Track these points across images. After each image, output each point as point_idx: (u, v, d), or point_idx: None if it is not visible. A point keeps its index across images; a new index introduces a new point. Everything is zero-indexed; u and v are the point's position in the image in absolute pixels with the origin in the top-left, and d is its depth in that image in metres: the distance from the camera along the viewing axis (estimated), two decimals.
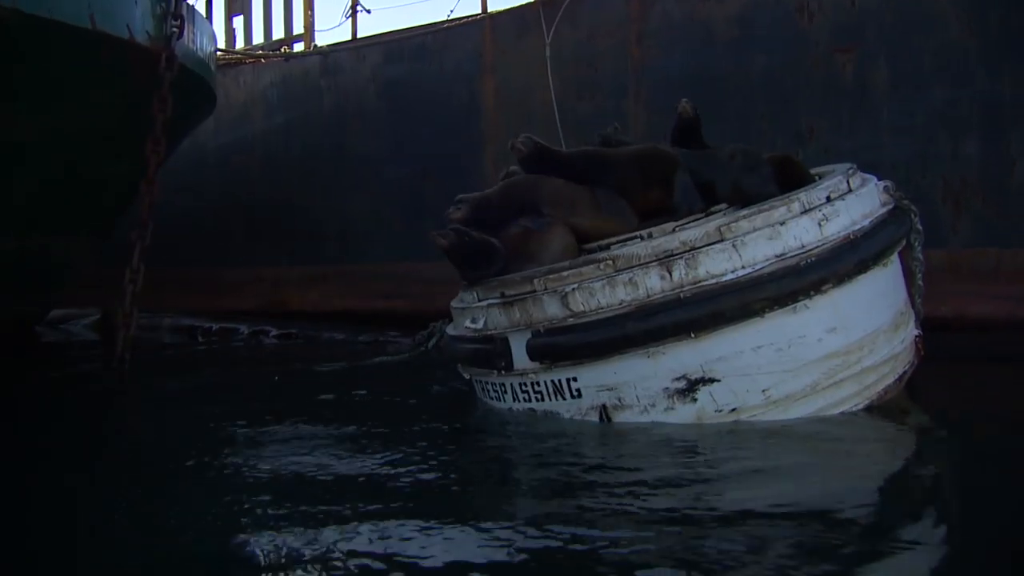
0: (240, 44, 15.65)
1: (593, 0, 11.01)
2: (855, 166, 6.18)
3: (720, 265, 5.34)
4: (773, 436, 5.29)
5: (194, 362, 10.81)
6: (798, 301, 5.31)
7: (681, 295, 5.31)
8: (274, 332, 12.28)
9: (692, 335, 5.27)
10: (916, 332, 6.18)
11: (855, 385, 5.56)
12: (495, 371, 6.10)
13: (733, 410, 5.40)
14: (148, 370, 9.15)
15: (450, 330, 6.84)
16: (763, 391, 5.37)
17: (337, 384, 8.28)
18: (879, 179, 6.20)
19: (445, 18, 12.33)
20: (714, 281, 5.31)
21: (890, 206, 6.04)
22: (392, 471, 5.03)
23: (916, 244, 6.27)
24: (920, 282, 6.33)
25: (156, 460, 5.83)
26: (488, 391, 6.43)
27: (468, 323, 6.28)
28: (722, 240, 5.38)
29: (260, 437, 6.06)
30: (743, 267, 5.33)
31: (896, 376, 5.86)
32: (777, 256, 5.36)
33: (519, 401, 6.07)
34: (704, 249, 5.37)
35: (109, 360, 8.22)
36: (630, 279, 5.40)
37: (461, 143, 11.69)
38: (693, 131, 6.88)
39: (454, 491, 4.88)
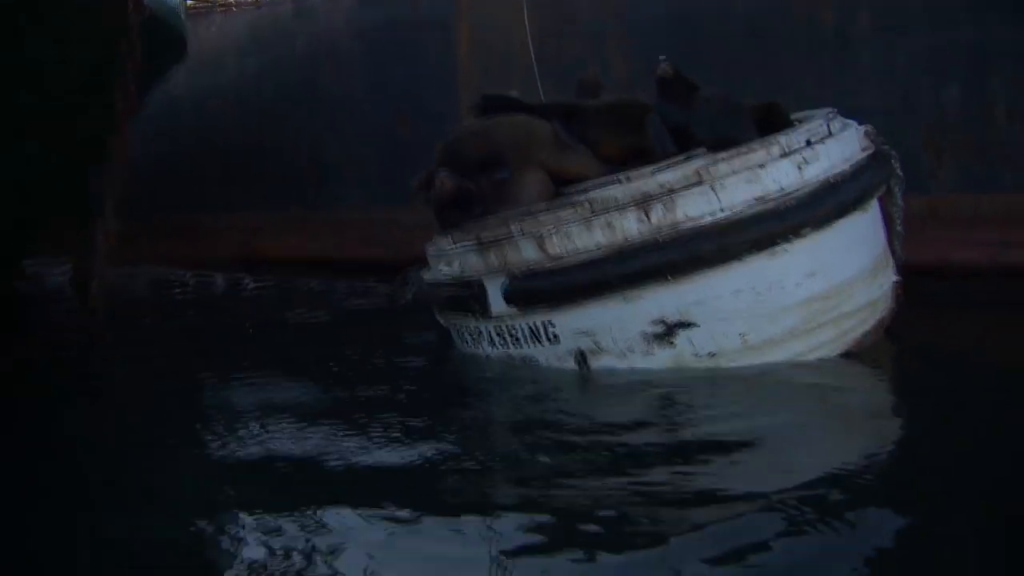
0: None
1: None
2: (835, 110, 6.09)
3: (698, 208, 5.25)
4: (753, 386, 5.24)
5: (169, 311, 10.69)
6: (777, 244, 5.23)
7: (659, 238, 5.23)
8: (250, 282, 12.14)
9: (670, 278, 5.19)
10: (895, 278, 6.10)
11: (833, 330, 5.50)
12: (471, 316, 6.04)
13: (711, 354, 5.33)
14: (123, 321, 9.00)
15: (426, 276, 6.74)
16: (741, 335, 5.30)
17: (311, 336, 8.27)
18: (859, 124, 6.11)
19: None
20: (692, 224, 5.23)
21: (870, 151, 5.95)
22: (366, 441, 4.91)
23: (896, 190, 6.19)
24: (900, 228, 6.25)
25: (120, 436, 5.67)
26: (465, 337, 6.36)
27: (443, 268, 6.22)
28: (701, 183, 5.29)
29: (232, 404, 5.95)
30: (722, 210, 5.24)
31: (874, 322, 5.79)
32: (756, 199, 5.28)
33: (495, 347, 6.01)
34: (682, 192, 5.28)
35: (81, 313, 8.13)
36: (607, 222, 5.32)
37: (436, 87, 11.49)
38: (675, 91, 6.68)
39: (431, 468, 4.66)
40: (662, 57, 6.65)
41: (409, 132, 11.52)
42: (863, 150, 5.90)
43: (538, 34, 10.40)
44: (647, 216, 5.26)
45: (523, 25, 10.38)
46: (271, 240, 12.89)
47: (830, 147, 5.62)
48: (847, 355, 5.60)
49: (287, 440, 4.99)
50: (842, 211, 5.46)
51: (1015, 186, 8.33)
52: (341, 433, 5.01)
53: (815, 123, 5.73)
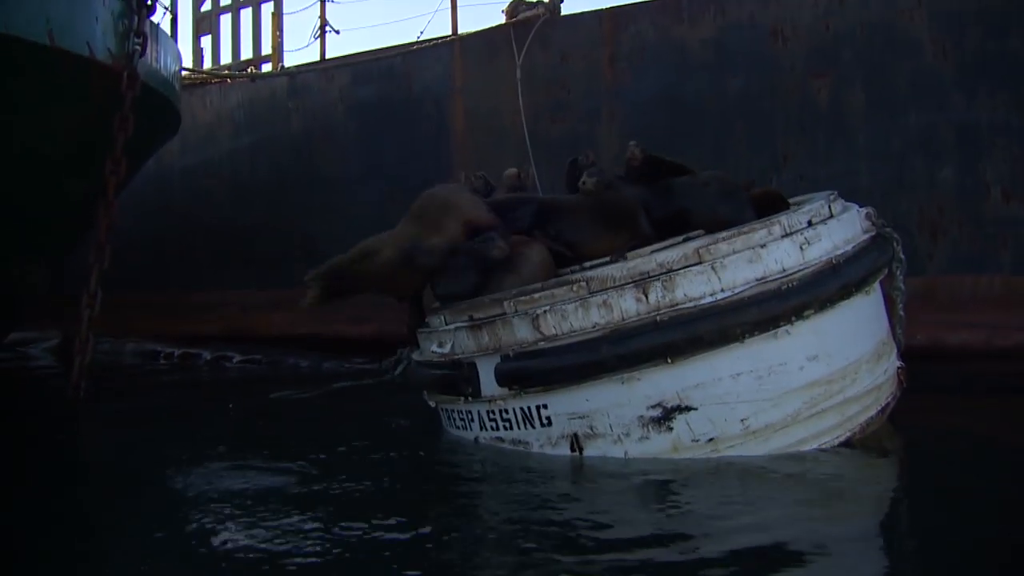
0: (208, 64, 15.38)
1: (565, 21, 10.90)
2: (836, 192, 6.02)
3: (698, 288, 5.13)
4: (753, 477, 5.06)
5: (153, 388, 10.51)
6: (779, 327, 5.11)
7: (657, 318, 5.08)
8: (237, 357, 11.99)
9: (668, 360, 5.05)
10: (898, 363, 5.99)
11: (837, 416, 5.34)
12: (462, 397, 5.86)
13: (710, 440, 5.16)
14: (106, 396, 8.86)
15: (416, 356, 6.58)
16: (742, 420, 5.14)
17: (296, 413, 8.07)
18: (860, 207, 6.03)
19: (415, 39, 12.10)
20: (692, 304, 5.10)
21: (872, 233, 5.86)
22: (344, 521, 4.67)
23: (898, 273, 6.09)
24: (901, 312, 6.15)
25: (92, 499, 5.58)
26: (454, 420, 6.18)
27: (434, 347, 6.04)
28: (700, 262, 5.18)
29: (210, 477, 5.70)
30: (722, 290, 5.12)
31: (879, 408, 5.65)
32: (757, 280, 5.16)
33: (486, 430, 5.83)
34: (682, 271, 5.16)
35: (66, 387, 7.98)
36: (604, 301, 5.18)
37: (430, 166, 11.40)
38: (646, 175, 6.64)
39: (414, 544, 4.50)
40: (632, 142, 6.70)
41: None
42: (864, 232, 5.80)
43: (532, 113, 10.47)
44: (645, 296, 5.12)
45: (518, 104, 10.46)
46: (260, 317, 12.76)
47: (832, 228, 5.53)
48: (850, 443, 5.42)
49: (257, 528, 4.69)
50: (845, 293, 5.34)
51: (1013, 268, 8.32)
52: (315, 522, 4.74)
53: (816, 204, 5.65)
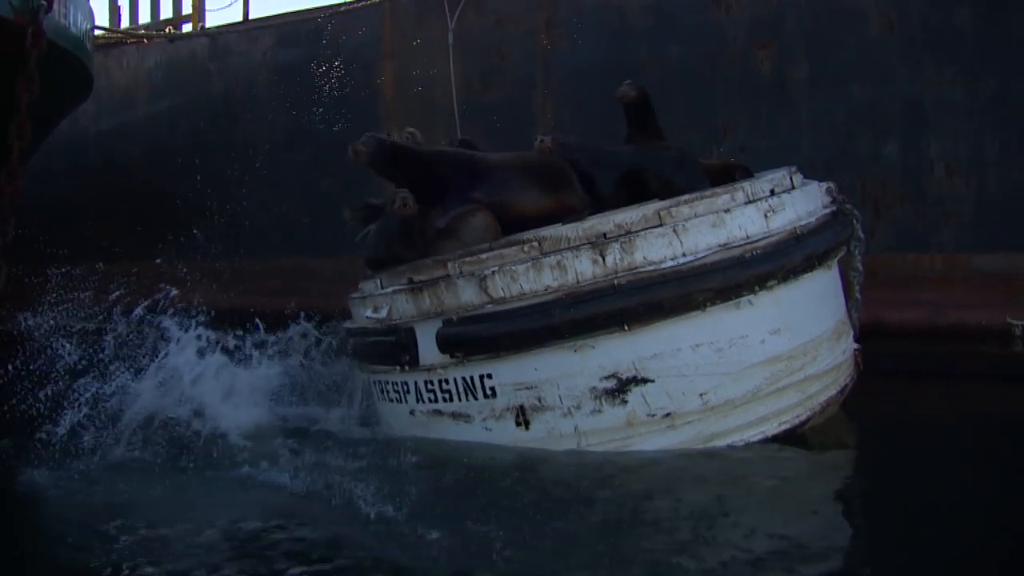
0: (125, 24, 14.83)
1: None
2: (795, 167, 5.75)
3: (659, 251, 4.81)
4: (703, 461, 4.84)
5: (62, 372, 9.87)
6: (742, 296, 4.83)
7: (615, 282, 4.76)
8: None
9: (625, 327, 4.72)
10: (855, 346, 5.76)
11: (797, 394, 5.08)
12: (397, 367, 5.45)
13: (667, 415, 4.84)
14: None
15: (346, 324, 6.19)
16: (701, 395, 4.84)
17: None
18: (820, 182, 5.79)
19: (343, 0, 11.67)
20: (652, 268, 4.79)
21: (832, 209, 5.62)
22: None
23: (856, 252, 5.88)
24: (858, 295, 5.94)
25: None
26: (387, 392, 5.73)
27: (368, 313, 5.64)
28: (661, 224, 4.87)
29: (117, 470, 5.40)
30: (684, 255, 4.82)
31: (838, 388, 5.43)
32: (721, 245, 4.89)
33: (423, 402, 5.41)
34: (642, 233, 4.84)
35: None
36: (558, 262, 4.83)
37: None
38: (642, 114, 6.35)
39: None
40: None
41: (330, 181, 11.09)
42: (824, 208, 5.55)
43: (465, 79, 10.11)
44: (602, 258, 4.79)
45: (449, 68, 10.09)
46: (180, 290, 12.25)
47: (796, 198, 5.28)
48: (805, 423, 5.17)
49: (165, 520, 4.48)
50: (808, 265, 5.09)
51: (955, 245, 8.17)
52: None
53: (778, 174, 5.39)
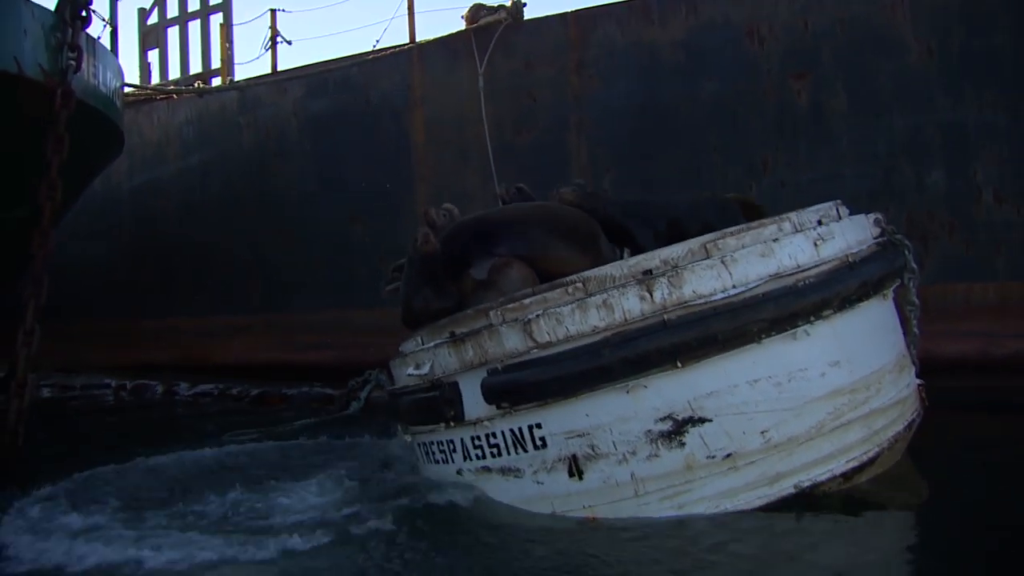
0: (156, 80, 14.84)
1: (529, 26, 10.43)
2: (839, 202, 5.48)
3: (708, 284, 4.57)
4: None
5: (97, 429, 9.70)
6: (797, 326, 4.59)
7: (665, 318, 4.51)
8: (186, 390, 11.39)
9: (679, 364, 4.48)
10: (918, 381, 5.48)
11: (863, 429, 4.80)
12: (442, 424, 5.19)
13: (728, 456, 4.57)
14: (47, 441, 8.24)
15: (389, 387, 5.98)
16: (762, 433, 4.57)
17: (243, 458, 7.17)
18: (867, 214, 5.53)
19: (371, 48, 11.70)
20: (702, 301, 4.54)
21: (881, 240, 5.37)
22: None
23: (911, 284, 5.53)
24: (916, 330, 5.59)
25: None
26: (433, 454, 5.47)
27: (410, 371, 5.40)
28: (708, 257, 4.65)
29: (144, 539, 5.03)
30: (734, 286, 4.57)
31: (905, 423, 5.13)
32: (771, 275, 4.64)
33: (470, 459, 5.14)
34: (689, 266, 4.60)
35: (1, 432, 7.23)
36: (604, 301, 4.58)
37: (390, 181, 10.97)
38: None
39: None
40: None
41: (363, 232, 10.99)
42: (874, 238, 5.30)
43: (496, 122, 10.02)
44: (650, 294, 4.54)
45: (480, 114, 10.00)
46: (216, 344, 12.20)
47: (844, 227, 5.04)
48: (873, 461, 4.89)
49: None
50: (863, 293, 4.85)
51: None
52: None
53: (823, 205, 5.18)
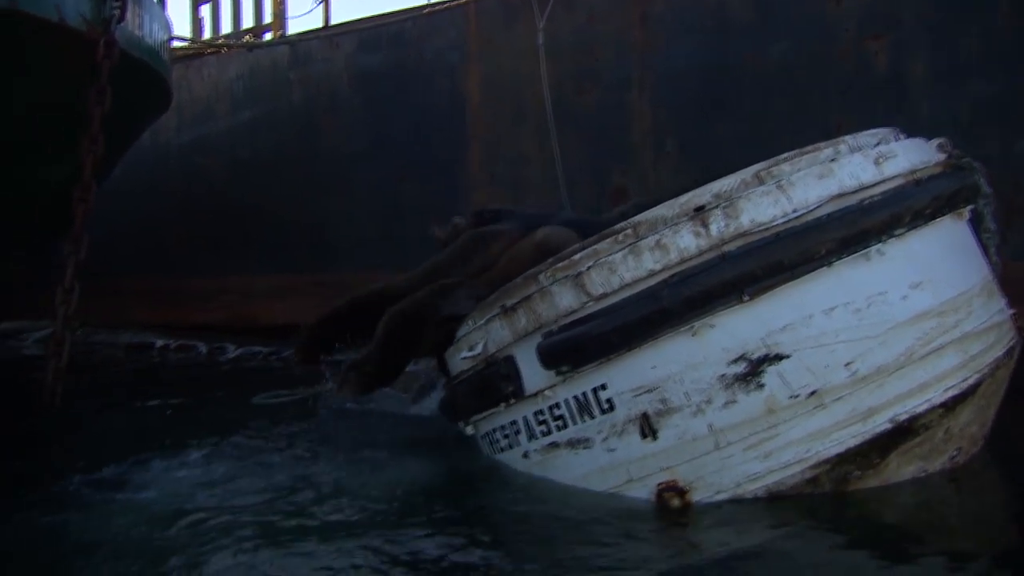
0: (207, 35, 14.70)
1: None
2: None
3: (766, 211, 4.22)
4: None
5: (139, 388, 9.44)
6: (869, 246, 4.23)
7: (724, 250, 4.19)
8: (231, 351, 11.30)
9: (745, 298, 4.13)
10: (1010, 310, 4.98)
11: (959, 354, 4.38)
12: (502, 403, 4.87)
13: (813, 393, 4.19)
14: (86, 399, 8.01)
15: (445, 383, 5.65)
16: (846, 365, 4.18)
17: (288, 429, 6.73)
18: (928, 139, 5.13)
19: (426, 2, 11.32)
20: (762, 229, 4.20)
21: (948, 164, 4.94)
22: None
23: (986, 211, 5.06)
24: (996, 258, 5.08)
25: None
26: (497, 442, 5.13)
27: (464, 354, 5.11)
28: (763, 183, 4.30)
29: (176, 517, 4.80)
30: (794, 210, 4.23)
31: (1004, 348, 4.67)
32: (833, 196, 4.29)
33: (535, 438, 4.81)
34: (744, 196, 4.26)
35: (40, 390, 7.16)
36: (657, 242, 4.25)
37: (443, 141, 10.70)
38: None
39: None
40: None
41: (413, 192, 10.70)
42: (939, 163, 4.88)
43: (555, 81, 9.64)
44: (705, 228, 4.21)
45: (539, 72, 9.63)
46: (262, 305, 12.00)
47: (906, 147, 4.68)
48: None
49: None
50: (937, 210, 4.47)
51: None
52: None
53: (880, 130, 4.84)
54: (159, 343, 12.10)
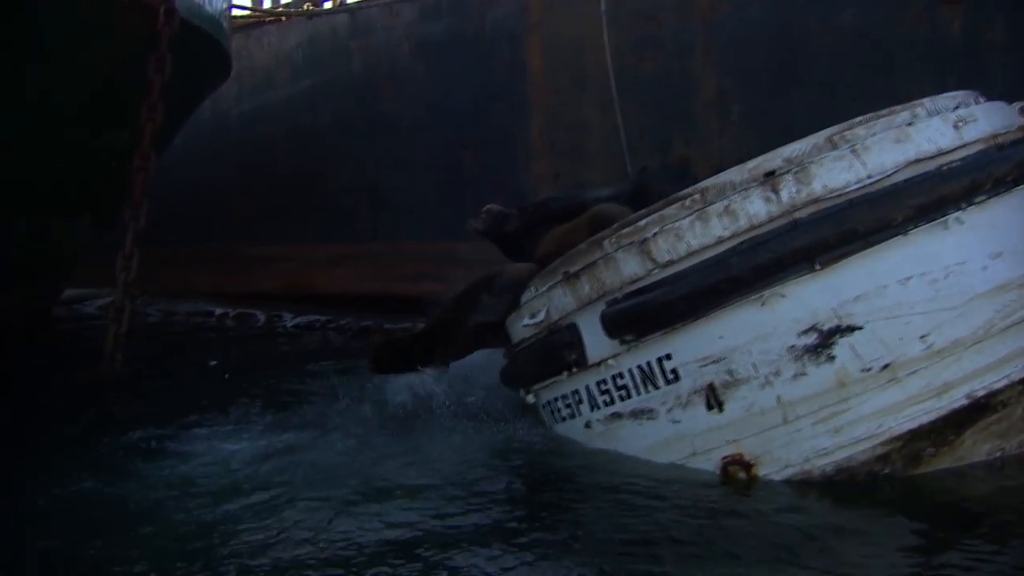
0: (267, 3, 14.73)
1: None
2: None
3: (840, 176, 4.08)
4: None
5: (195, 353, 9.55)
6: (948, 214, 4.07)
7: (795, 217, 4.05)
8: (289, 320, 11.40)
9: (817, 267, 4.01)
10: None
11: None
12: (564, 371, 4.78)
13: (886, 366, 4.04)
14: (146, 367, 8.09)
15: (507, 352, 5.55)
16: (922, 337, 4.04)
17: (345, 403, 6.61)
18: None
19: None
20: (836, 195, 4.06)
21: None
22: None
23: None
24: None
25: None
26: (559, 411, 5.04)
27: (525, 322, 5.04)
28: (836, 148, 4.14)
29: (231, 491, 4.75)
30: (869, 176, 4.07)
31: None
32: (910, 161, 4.13)
33: (598, 408, 4.71)
34: (817, 161, 4.11)
35: (99, 357, 7.12)
36: (726, 208, 4.13)
37: (503, 109, 10.53)
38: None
39: None
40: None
41: (473, 161, 10.59)
42: (1021, 127, 4.61)
43: (616, 48, 9.45)
44: (776, 194, 4.08)
45: (601, 38, 9.45)
46: (320, 273, 11.97)
47: (987, 110, 4.48)
48: None
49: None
50: (1020, 176, 4.26)
51: None
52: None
53: (959, 92, 4.64)
54: (217, 311, 12.22)
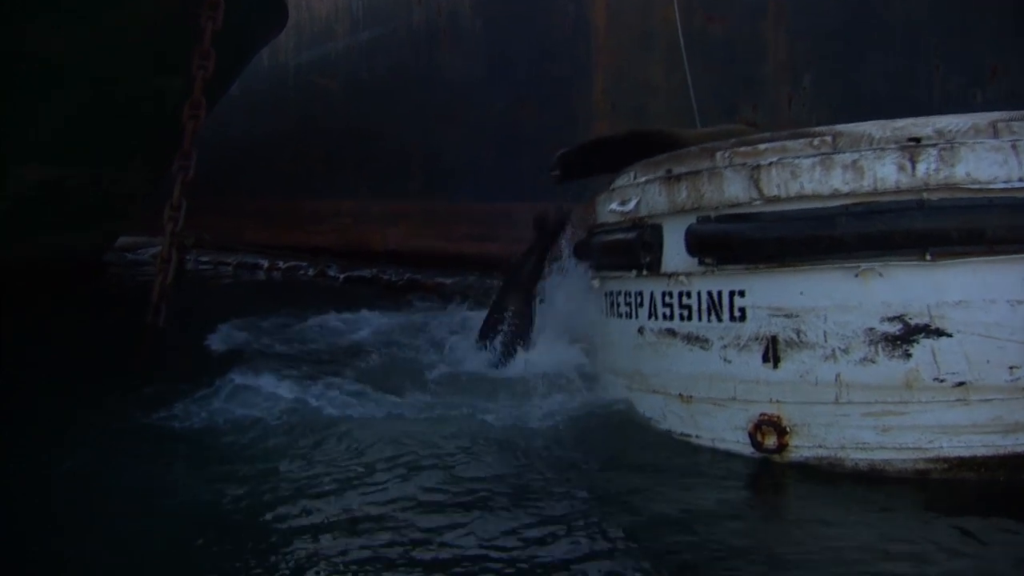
0: None
1: None
2: None
3: (989, 169, 3.68)
4: None
5: (242, 306, 9.33)
6: None
7: (924, 196, 3.70)
8: (339, 275, 11.47)
9: (928, 257, 3.68)
10: None
11: None
12: (635, 270, 4.53)
13: (960, 384, 3.72)
14: (191, 313, 8.03)
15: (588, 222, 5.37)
16: (1011, 368, 3.69)
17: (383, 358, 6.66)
18: None
19: None
20: (977, 187, 3.68)
21: None
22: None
23: None
24: None
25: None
26: (618, 305, 4.79)
27: (615, 206, 4.75)
28: (997, 136, 3.72)
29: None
30: (1020, 179, 3.67)
31: None
32: None
33: (656, 318, 4.45)
34: (969, 143, 3.71)
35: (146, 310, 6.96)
36: (854, 162, 3.78)
37: (566, 68, 10.23)
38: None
39: None
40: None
41: (532, 121, 10.31)
42: None
43: (684, 6, 9.17)
44: (912, 164, 3.71)
45: None
46: (374, 229, 11.83)
47: None
48: None
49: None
50: None
51: None
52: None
53: None
54: (266, 263, 12.13)
